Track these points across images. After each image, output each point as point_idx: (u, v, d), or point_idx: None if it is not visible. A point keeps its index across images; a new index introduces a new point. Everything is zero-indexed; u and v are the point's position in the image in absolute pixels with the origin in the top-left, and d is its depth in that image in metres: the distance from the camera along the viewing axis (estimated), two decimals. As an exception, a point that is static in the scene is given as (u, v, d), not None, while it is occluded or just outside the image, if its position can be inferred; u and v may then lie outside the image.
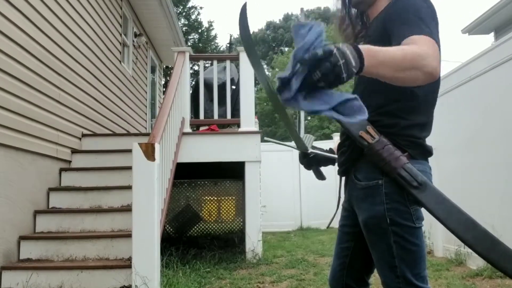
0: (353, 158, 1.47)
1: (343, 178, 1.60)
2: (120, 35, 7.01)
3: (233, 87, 6.02)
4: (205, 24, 28.13)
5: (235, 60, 5.78)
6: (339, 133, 1.64)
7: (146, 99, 8.96)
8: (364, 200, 1.42)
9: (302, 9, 21.37)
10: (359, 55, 1.05)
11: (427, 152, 1.45)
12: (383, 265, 1.43)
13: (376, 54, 1.11)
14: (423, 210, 1.40)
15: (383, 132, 1.39)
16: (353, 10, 1.62)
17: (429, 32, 1.28)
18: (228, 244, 6.24)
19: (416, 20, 1.31)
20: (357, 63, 1.04)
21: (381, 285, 1.47)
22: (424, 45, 1.23)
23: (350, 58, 1.02)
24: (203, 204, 8.12)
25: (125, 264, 3.46)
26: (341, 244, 1.63)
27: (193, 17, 27.05)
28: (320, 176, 1.79)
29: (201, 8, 39.30)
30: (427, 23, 1.30)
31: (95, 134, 5.45)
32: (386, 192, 1.38)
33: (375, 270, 1.54)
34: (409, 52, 1.18)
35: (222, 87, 5.65)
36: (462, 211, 1.34)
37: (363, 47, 1.07)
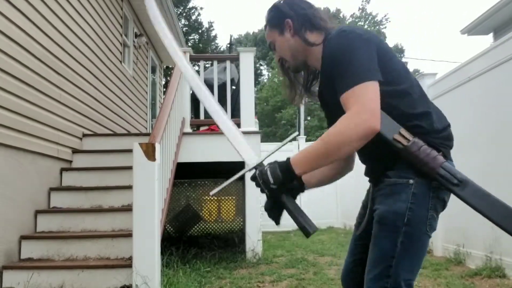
0: (388, 165, 1.45)
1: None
2: (121, 35, 7.02)
3: (233, 87, 6.04)
4: (205, 25, 28.18)
5: (235, 60, 5.79)
6: None
7: (147, 99, 8.98)
8: (389, 196, 1.42)
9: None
10: (284, 169, 1.36)
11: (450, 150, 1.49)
12: (378, 262, 1.41)
13: (300, 161, 1.36)
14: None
15: (417, 133, 1.41)
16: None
17: (357, 77, 1.33)
18: (228, 243, 6.26)
19: (345, 67, 1.37)
20: (277, 178, 1.36)
21: (365, 281, 1.45)
22: (351, 107, 1.31)
23: (268, 177, 1.37)
24: (203, 204, 8.13)
25: (126, 263, 3.47)
26: (357, 241, 1.63)
27: (193, 17, 27.08)
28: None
29: (201, 8, 39.40)
30: (356, 65, 1.35)
31: (95, 134, 5.46)
32: (414, 193, 1.39)
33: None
34: (330, 139, 1.32)
35: (222, 87, 5.67)
36: (505, 204, 1.34)
37: (292, 159, 1.36)
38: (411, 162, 1.39)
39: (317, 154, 1.34)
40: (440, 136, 1.44)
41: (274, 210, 1.44)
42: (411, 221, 1.38)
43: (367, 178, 1.60)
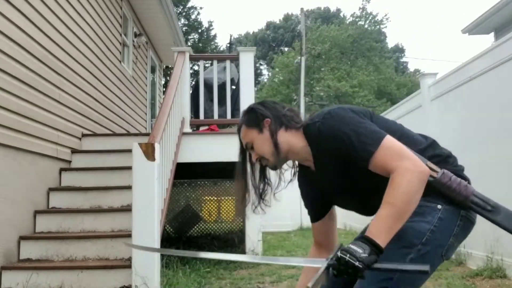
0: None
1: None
2: (120, 35, 7.01)
3: (233, 87, 6.02)
4: (205, 24, 28.16)
5: (235, 60, 5.78)
6: None
7: (146, 99, 8.97)
8: (413, 216, 1.36)
9: (302, 9, 21.38)
10: (374, 249, 1.27)
11: None
12: (379, 274, 1.34)
13: (380, 231, 1.29)
14: None
15: (437, 163, 1.44)
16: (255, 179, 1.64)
17: (374, 138, 1.37)
18: (228, 244, 6.25)
19: (357, 136, 1.39)
20: (363, 257, 1.24)
21: None
22: (391, 164, 1.33)
23: (352, 260, 1.24)
24: (203, 204, 8.11)
25: (125, 264, 3.46)
26: None
27: (193, 17, 27.06)
28: None
29: (201, 8, 39.35)
30: (365, 132, 1.39)
31: (95, 134, 5.45)
32: (441, 217, 1.40)
33: None
34: (396, 200, 1.29)
35: (222, 87, 5.65)
36: None
37: (371, 234, 1.29)
38: (441, 193, 1.40)
39: (394, 218, 1.30)
40: (455, 162, 1.49)
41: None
42: (429, 241, 1.39)
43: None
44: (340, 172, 1.49)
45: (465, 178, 1.45)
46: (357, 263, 1.22)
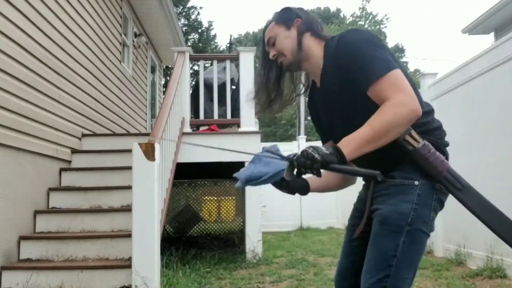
0: (391, 166, 1.47)
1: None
2: (120, 35, 7.01)
3: (233, 87, 6.02)
4: (205, 24, 28.16)
5: (235, 60, 5.78)
6: None
7: (146, 99, 8.97)
8: (394, 196, 1.44)
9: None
10: (336, 152, 1.31)
11: None
12: (378, 261, 1.42)
13: (349, 144, 1.34)
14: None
15: (420, 133, 1.44)
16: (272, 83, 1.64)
17: (384, 65, 1.37)
18: (228, 244, 6.25)
19: (369, 60, 1.39)
20: (324, 154, 1.30)
21: (362, 279, 1.45)
22: (391, 92, 1.33)
23: (314, 154, 1.30)
24: (203, 204, 8.12)
25: (125, 264, 3.46)
26: (352, 242, 1.63)
27: (193, 17, 27.06)
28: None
29: (201, 8, 39.36)
30: (379, 57, 1.39)
31: (95, 134, 5.45)
32: (419, 194, 1.42)
33: None
34: (377, 124, 1.33)
35: (222, 87, 5.65)
36: (501, 212, 1.40)
37: (341, 144, 1.33)
38: (417, 164, 1.42)
39: (366, 139, 1.34)
40: (442, 135, 1.49)
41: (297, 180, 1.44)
42: (414, 221, 1.41)
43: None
44: (338, 97, 1.49)
45: (444, 153, 1.46)
46: (316, 155, 1.29)
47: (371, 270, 1.42)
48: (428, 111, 1.48)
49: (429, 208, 1.43)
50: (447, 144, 1.51)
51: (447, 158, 1.46)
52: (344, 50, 1.45)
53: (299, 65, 1.60)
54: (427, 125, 1.46)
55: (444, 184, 1.41)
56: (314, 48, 1.56)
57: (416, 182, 1.43)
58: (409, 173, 1.44)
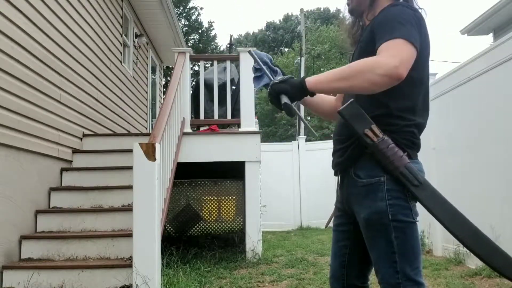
0: (354, 157, 1.51)
1: (338, 178, 1.63)
2: (121, 35, 7.03)
3: (233, 87, 6.04)
4: (205, 25, 28.20)
5: (235, 60, 5.80)
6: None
7: (147, 99, 8.98)
8: (366, 196, 1.46)
9: (302, 10, 21.37)
10: (298, 84, 1.46)
11: (418, 151, 1.53)
12: (383, 261, 1.45)
13: (317, 79, 1.45)
14: (419, 208, 1.44)
15: (386, 131, 1.44)
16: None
17: (403, 34, 1.38)
18: (228, 243, 6.26)
19: (395, 24, 1.41)
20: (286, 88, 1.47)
21: (378, 283, 1.48)
22: (387, 50, 1.35)
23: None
24: (203, 204, 8.13)
25: (126, 263, 3.47)
26: (339, 243, 1.65)
27: (193, 17, 27.09)
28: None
29: (201, 8, 39.42)
30: (404, 25, 1.40)
31: (96, 134, 5.47)
32: (388, 189, 1.43)
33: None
34: (355, 63, 1.39)
35: (222, 87, 5.67)
36: (458, 211, 1.40)
37: (309, 78, 1.46)
38: (377, 159, 1.44)
39: (335, 77, 1.42)
40: (412, 138, 1.49)
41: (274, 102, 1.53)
42: (395, 215, 1.43)
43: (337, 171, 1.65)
44: (359, 56, 1.50)
45: (405, 151, 1.45)
46: (274, 87, 1.48)
47: (379, 270, 1.46)
48: (423, 108, 1.50)
49: (403, 199, 1.43)
50: (413, 147, 1.49)
51: (410, 157, 1.45)
52: (384, 13, 1.49)
53: (360, 13, 1.65)
54: (404, 120, 1.46)
55: (400, 179, 1.42)
56: (381, 5, 1.57)
57: (382, 178, 1.44)
58: (372, 170, 1.46)
